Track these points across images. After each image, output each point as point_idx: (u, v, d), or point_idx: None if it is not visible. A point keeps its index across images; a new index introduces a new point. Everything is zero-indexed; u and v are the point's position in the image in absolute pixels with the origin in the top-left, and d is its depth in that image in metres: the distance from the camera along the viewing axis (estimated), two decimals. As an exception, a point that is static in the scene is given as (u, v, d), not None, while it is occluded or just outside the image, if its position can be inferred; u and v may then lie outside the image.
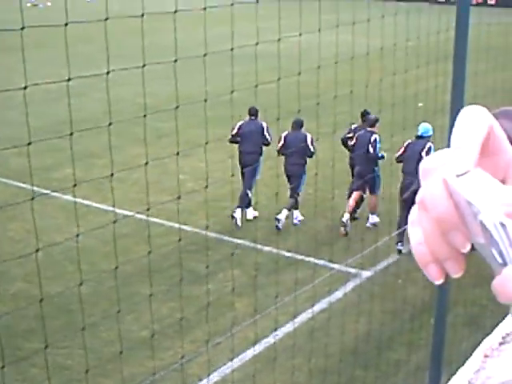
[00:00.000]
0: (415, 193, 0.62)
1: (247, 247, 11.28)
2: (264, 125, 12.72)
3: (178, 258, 9.45)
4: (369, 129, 12.43)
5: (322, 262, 10.70)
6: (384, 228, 10.98)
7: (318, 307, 9.23)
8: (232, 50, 5.43)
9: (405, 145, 11.68)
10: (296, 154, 12.18)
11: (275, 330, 8.58)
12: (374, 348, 8.47)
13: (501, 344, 0.79)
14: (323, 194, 11.18)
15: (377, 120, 12.36)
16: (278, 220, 12.01)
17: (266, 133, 12.63)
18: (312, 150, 12.29)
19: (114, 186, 10.44)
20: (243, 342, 8.44)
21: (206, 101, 5.85)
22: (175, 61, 5.18)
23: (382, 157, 12.32)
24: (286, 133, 12.54)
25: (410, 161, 10.99)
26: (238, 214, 12.25)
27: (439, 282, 0.60)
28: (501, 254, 0.53)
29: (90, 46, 26.47)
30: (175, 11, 5.06)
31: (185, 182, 12.73)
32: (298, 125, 12.54)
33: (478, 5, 58.75)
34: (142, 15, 4.84)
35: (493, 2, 67.53)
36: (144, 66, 4.88)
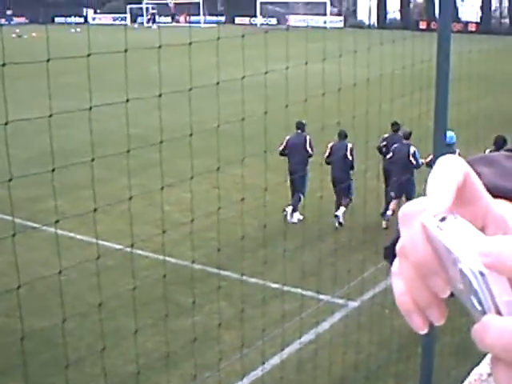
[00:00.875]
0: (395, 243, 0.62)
1: (234, 279, 11.20)
2: (307, 138, 13.75)
3: (163, 291, 9.37)
4: (405, 141, 13.55)
5: (309, 293, 10.64)
6: (371, 257, 10.93)
7: (305, 338, 9.15)
8: (218, 83, 5.42)
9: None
10: (339, 163, 13.46)
11: (263, 362, 8.48)
12: (363, 378, 8.39)
13: (489, 375, 0.79)
14: (310, 225, 11.16)
15: (410, 133, 13.40)
16: (337, 216, 13.31)
17: (308, 147, 13.68)
18: (350, 159, 13.46)
19: (100, 218, 10.37)
20: (231, 375, 8.35)
21: (191, 135, 5.83)
22: (159, 95, 5.17)
23: (422, 164, 13.12)
24: (331, 143, 13.77)
25: None
26: (289, 209, 13.54)
27: (424, 331, 0.60)
28: (480, 302, 0.53)
29: (76, 77, 26.47)
30: (159, 46, 5.06)
31: (170, 214, 12.68)
32: (342, 136, 13.59)
33: (458, 32, 59.77)
34: (126, 51, 4.83)
35: (473, 29, 68.58)
36: (127, 100, 4.86)
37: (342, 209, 13.39)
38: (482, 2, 74.86)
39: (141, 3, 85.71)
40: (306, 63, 6.34)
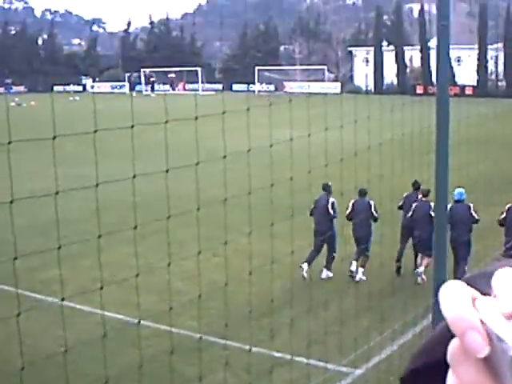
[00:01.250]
0: None
1: (237, 348, 11.04)
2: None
3: (165, 361, 9.22)
4: (424, 199, 14.23)
5: (314, 361, 10.47)
6: (375, 325, 10.80)
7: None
8: (225, 157, 5.42)
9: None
10: (363, 219, 14.25)
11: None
12: None
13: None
14: (314, 293, 11.06)
15: (429, 191, 13.40)
16: (351, 271, 14.05)
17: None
18: (375, 215, 14.36)
19: (100, 287, 10.27)
20: None
21: (198, 209, 5.81)
22: (167, 171, 5.17)
23: None
24: (353, 200, 14.58)
25: (459, 223, 13.07)
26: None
27: None
28: None
29: (76, 145, 26.63)
30: (166, 121, 5.08)
31: (172, 282, 12.57)
32: (363, 193, 14.46)
33: (456, 95, 60.45)
34: (132, 126, 4.85)
35: (470, 92, 69.46)
36: (135, 177, 4.84)
37: (361, 269, 14.14)
38: (478, 66, 75.96)
39: (139, 71, 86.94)
40: (309, 135, 6.37)
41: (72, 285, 11.25)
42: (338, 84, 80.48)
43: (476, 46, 77.05)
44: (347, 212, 14.48)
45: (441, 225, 5.01)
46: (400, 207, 15.26)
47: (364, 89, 78.84)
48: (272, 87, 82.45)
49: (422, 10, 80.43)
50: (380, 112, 8.87)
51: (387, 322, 11.01)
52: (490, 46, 76.89)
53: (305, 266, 14.03)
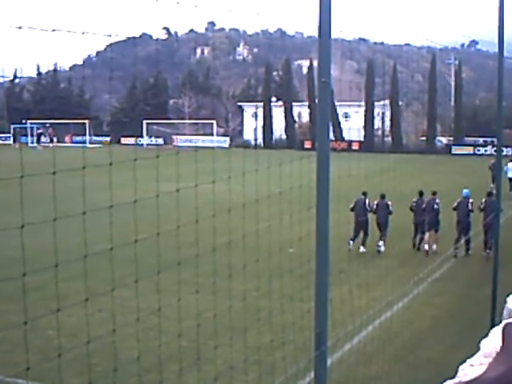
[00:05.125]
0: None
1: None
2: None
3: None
4: (431, 196, 22.65)
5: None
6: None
7: None
8: (111, 206, 5.34)
9: (456, 203, 22.10)
10: (383, 213, 22.26)
11: None
12: None
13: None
14: (202, 347, 10.95)
15: (435, 192, 22.88)
16: (378, 245, 21.99)
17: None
18: (391, 210, 22.26)
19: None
20: None
21: (85, 256, 5.68)
22: (54, 219, 5.04)
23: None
24: (376, 201, 22.31)
25: (461, 211, 21.88)
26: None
27: None
28: None
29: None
30: (54, 172, 4.97)
31: (53, 339, 12.18)
32: (383, 196, 22.20)
33: (343, 150, 62.13)
34: (22, 176, 4.71)
35: (357, 147, 71.61)
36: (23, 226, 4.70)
37: (382, 242, 21.99)
38: (365, 122, 78.31)
39: (25, 123, 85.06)
40: (196, 185, 6.37)
41: None
42: (227, 138, 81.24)
43: (363, 103, 79.46)
44: (374, 208, 22.17)
45: (321, 274, 5.06)
46: (411, 208, 22.99)
47: (253, 143, 79.85)
48: (161, 141, 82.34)
49: (310, 67, 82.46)
50: (268, 166, 8.99)
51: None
52: (376, 103, 79.52)
53: (351, 242, 21.64)
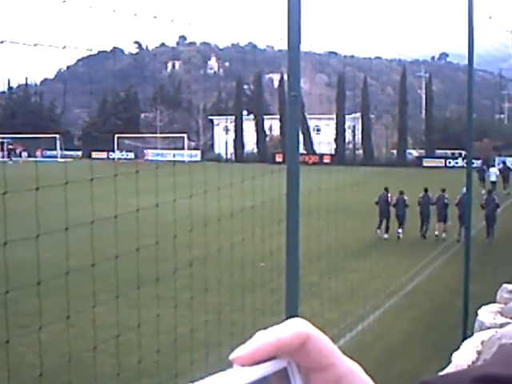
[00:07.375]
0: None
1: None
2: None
3: None
4: (441, 193, 26.40)
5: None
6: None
7: None
8: (93, 222, 5.32)
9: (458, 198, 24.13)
10: (401, 206, 26.18)
11: None
12: None
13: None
14: (182, 362, 10.88)
15: (444, 189, 26.71)
16: (398, 232, 26.20)
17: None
18: (407, 203, 26.24)
19: None
20: None
21: (67, 274, 5.65)
22: (38, 236, 5.02)
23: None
24: (395, 197, 26.43)
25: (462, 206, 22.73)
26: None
27: None
28: None
29: None
30: (37, 188, 4.95)
31: (24, 356, 12.06)
32: (401, 192, 26.51)
33: (314, 164, 62.35)
34: (5, 193, 4.69)
35: (328, 161, 71.82)
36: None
37: (400, 229, 26.15)
38: (336, 135, 78.59)
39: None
40: (175, 200, 6.37)
41: None
42: (199, 152, 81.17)
43: (334, 116, 79.77)
44: (393, 203, 26.20)
45: (291, 288, 5.07)
46: (419, 203, 26.84)
47: (224, 157, 79.86)
48: (132, 155, 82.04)
49: (281, 80, 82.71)
50: (242, 179, 9.00)
51: None
52: (347, 116, 79.89)
53: (378, 230, 26.11)
